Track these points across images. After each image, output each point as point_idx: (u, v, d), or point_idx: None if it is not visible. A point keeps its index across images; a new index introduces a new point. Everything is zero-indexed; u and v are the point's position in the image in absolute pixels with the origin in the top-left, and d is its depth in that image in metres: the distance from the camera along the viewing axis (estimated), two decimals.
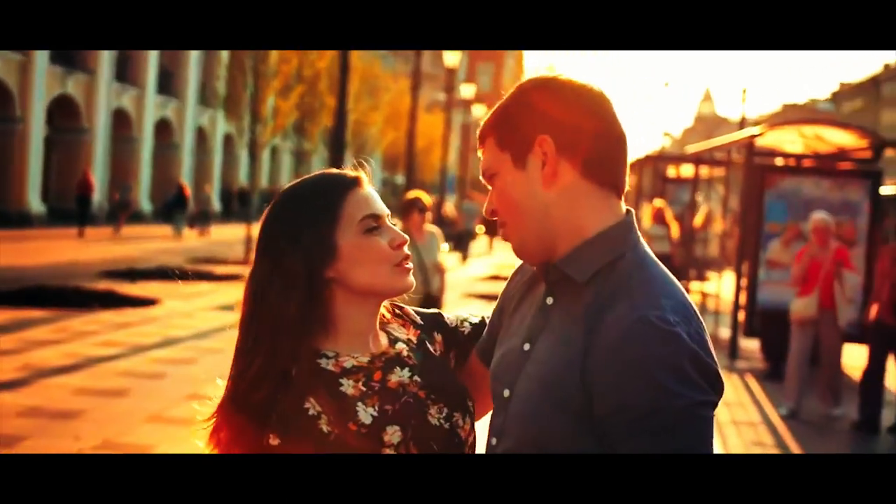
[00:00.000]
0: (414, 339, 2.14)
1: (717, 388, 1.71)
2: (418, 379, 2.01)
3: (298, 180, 2.09)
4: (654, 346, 1.65)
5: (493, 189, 1.88)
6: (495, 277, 24.85)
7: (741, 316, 13.34)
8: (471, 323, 2.26)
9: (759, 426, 9.65)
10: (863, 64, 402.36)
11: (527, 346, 1.85)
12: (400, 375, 2.00)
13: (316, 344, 1.98)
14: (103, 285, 16.68)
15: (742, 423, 9.58)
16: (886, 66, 72.19)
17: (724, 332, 14.12)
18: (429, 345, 2.15)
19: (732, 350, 13.42)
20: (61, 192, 35.12)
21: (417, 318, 2.21)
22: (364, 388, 1.94)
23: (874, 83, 72.20)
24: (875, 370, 9.68)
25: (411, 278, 2.05)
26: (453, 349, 2.22)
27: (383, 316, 2.14)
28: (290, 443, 1.86)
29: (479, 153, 1.91)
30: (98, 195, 34.75)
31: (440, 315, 2.25)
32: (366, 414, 1.90)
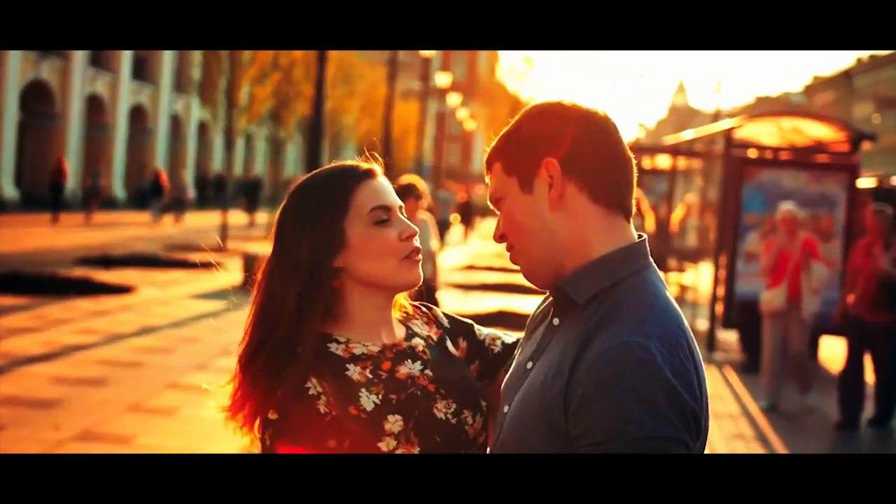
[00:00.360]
0: (435, 337, 2.14)
1: (692, 429, 1.66)
2: (430, 373, 2.01)
3: (315, 171, 2.11)
4: (625, 372, 1.62)
5: (501, 213, 1.87)
6: (471, 267, 24.84)
7: (719, 308, 13.39)
8: (504, 342, 2.24)
9: (739, 418, 9.70)
10: (835, 58, 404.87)
11: (529, 365, 1.85)
12: (410, 368, 2.00)
13: (328, 329, 1.99)
14: (79, 272, 16.59)
15: (722, 416, 9.62)
16: (859, 60, 72.43)
17: (702, 324, 14.17)
18: (450, 345, 2.14)
19: (710, 342, 13.46)
20: (35, 177, 34.89)
21: (444, 321, 2.21)
22: (370, 376, 1.95)
23: (846, 76, 72.45)
24: (853, 367, 9.61)
25: (419, 272, 2.05)
26: (477, 360, 2.20)
27: (406, 310, 2.15)
28: (287, 419, 1.88)
29: (487, 179, 1.91)
30: (72, 181, 34.53)
31: (471, 325, 2.24)
32: (368, 401, 1.90)
